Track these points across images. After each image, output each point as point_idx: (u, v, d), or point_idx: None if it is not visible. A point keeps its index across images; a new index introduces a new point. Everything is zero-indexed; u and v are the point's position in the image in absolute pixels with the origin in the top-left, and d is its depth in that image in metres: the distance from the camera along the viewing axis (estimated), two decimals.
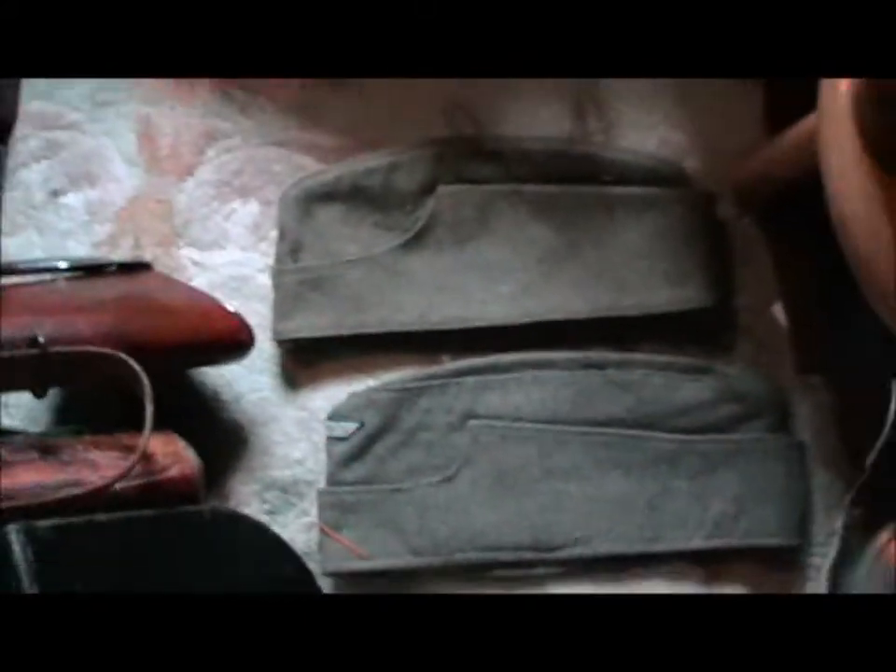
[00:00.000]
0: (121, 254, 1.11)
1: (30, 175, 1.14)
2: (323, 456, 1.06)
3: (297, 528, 1.05)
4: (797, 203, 0.98)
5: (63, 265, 1.04)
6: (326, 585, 1.02)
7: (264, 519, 1.04)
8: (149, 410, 0.92)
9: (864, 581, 0.98)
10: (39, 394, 0.96)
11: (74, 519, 0.89)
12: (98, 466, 0.93)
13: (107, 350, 0.94)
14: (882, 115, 0.79)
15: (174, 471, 0.95)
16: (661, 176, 1.09)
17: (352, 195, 1.09)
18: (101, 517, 0.89)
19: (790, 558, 1.04)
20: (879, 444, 0.96)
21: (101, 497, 0.90)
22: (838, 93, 0.82)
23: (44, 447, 0.94)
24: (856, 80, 0.81)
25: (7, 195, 1.14)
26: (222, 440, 1.07)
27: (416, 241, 1.08)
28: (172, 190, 1.13)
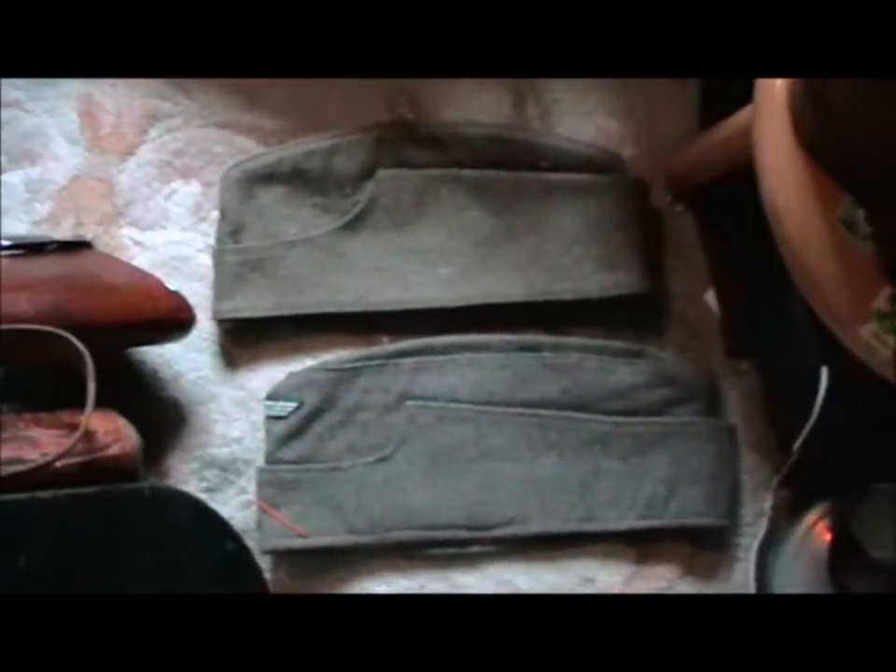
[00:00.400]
0: (62, 233, 1.11)
1: None
2: (261, 435, 1.07)
3: (235, 506, 1.06)
4: (729, 191, 1.00)
5: (4, 243, 1.03)
6: (264, 563, 1.02)
7: (203, 497, 1.03)
8: (92, 388, 0.93)
9: (791, 561, 1.01)
10: None
11: (17, 496, 0.90)
12: (39, 443, 0.93)
13: (51, 328, 0.94)
14: (815, 111, 0.81)
15: (114, 449, 0.95)
16: (597, 164, 1.11)
17: (293, 177, 1.10)
18: (44, 494, 0.90)
19: (719, 538, 1.07)
20: (807, 429, 0.98)
21: (42, 475, 0.91)
22: (774, 90, 0.84)
23: None
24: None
25: None
26: (161, 418, 1.08)
27: (356, 223, 1.09)
28: (113, 170, 1.13)
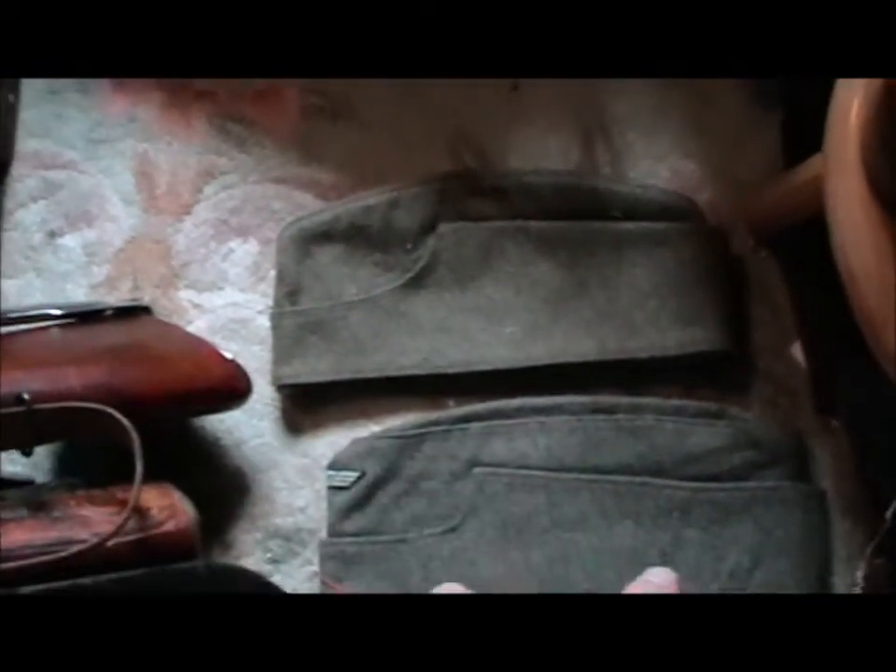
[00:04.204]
0: (120, 296, 1.09)
1: (27, 216, 1.12)
2: (326, 504, 1.03)
3: (301, 578, 1.02)
4: (817, 235, 0.93)
5: (55, 312, 1.02)
6: None
7: (267, 568, 1.02)
8: (139, 466, 0.89)
9: None
10: (27, 452, 0.94)
11: (57, 584, 0.86)
12: (90, 522, 0.90)
13: (96, 405, 0.91)
14: (891, 162, 0.74)
15: (169, 525, 0.92)
16: (671, 211, 1.04)
17: (351, 234, 1.06)
18: (86, 581, 0.86)
19: None
20: None
21: (94, 556, 0.87)
22: (846, 142, 0.78)
23: (35, 504, 0.91)
24: (864, 123, 0.77)
25: (6, 236, 1.12)
26: (224, 487, 1.04)
27: (418, 281, 1.04)
28: (169, 230, 1.10)
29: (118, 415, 0.91)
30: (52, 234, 1.11)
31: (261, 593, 0.93)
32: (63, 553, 0.88)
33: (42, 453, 1.04)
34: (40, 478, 1.04)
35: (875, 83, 0.75)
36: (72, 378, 0.94)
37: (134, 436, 0.90)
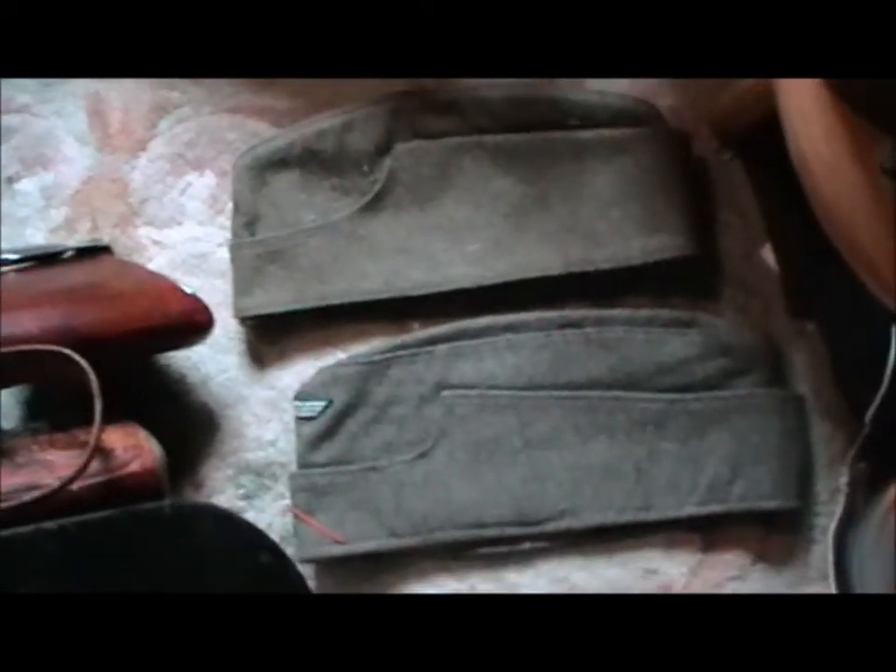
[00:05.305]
0: (79, 237, 1.07)
1: None
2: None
3: (274, 512, 1.01)
4: (782, 134, 0.91)
5: (11, 257, 1.00)
6: (308, 570, 0.97)
7: (240, 504, 1.01)
8: (98, 406, 0.88)
9: (873, 542, 0.91)
10: None
11: (19, 530, 0.85)
12: (54, 466, 0.89)
13: (51, 347, 0.89)
14: None
15: (135, 465, 0.91)
16: (630, 116, 1.01)
17: (306, 160, 1.04)
18: (49, 524, 0.85)
19: (791, 520, 0.97)
20: (879, 396, 0.89)
21: (59, 500, 0.86)
22: None
23: None
24: None
25: None
26: (192, 425, 1.03)
27: (376, 203, 1.02)
28: (125, 168, 1.09)
29: (74, 356, 0.89)
30: (10, 180, 1.10)
31: (229, 533, 0.92)
32: (25, 499, 0.87)
33: (10, 402, 1.03)
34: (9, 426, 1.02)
35: None
36: (28, 321, 0.92)
37: (92, 375, 0.88)
